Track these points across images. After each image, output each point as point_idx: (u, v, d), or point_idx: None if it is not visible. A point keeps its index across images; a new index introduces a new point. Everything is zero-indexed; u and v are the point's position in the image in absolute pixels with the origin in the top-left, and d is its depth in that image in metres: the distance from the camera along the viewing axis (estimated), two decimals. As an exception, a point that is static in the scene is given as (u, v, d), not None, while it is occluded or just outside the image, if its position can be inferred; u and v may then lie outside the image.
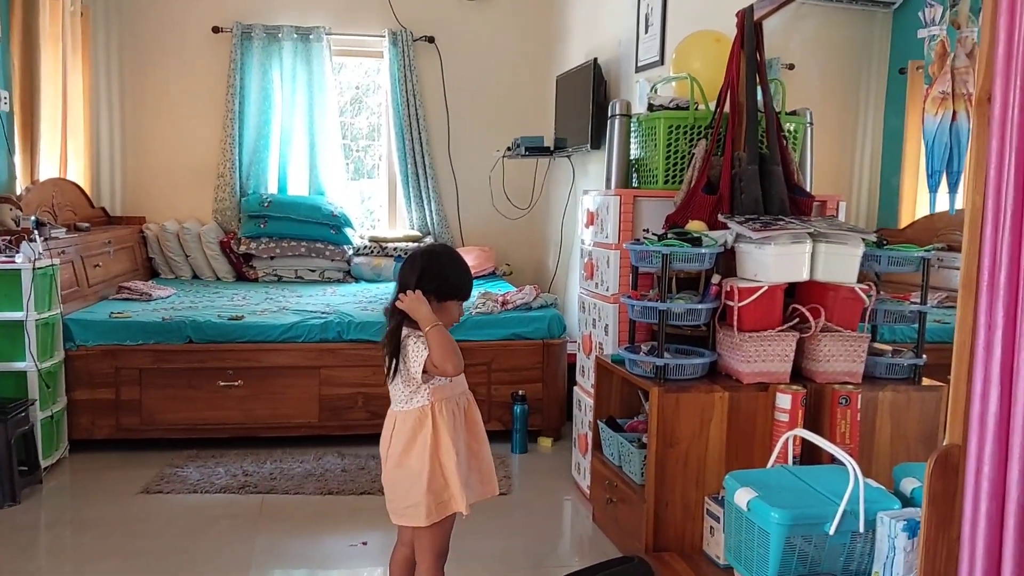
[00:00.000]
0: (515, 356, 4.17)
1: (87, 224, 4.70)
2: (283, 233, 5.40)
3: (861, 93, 3.99)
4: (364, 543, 3.02)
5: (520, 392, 4.08)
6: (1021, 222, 1.62)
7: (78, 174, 5.13)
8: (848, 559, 2.22)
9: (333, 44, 5.70)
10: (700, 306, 2.83)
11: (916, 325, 2.93)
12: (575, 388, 3.69)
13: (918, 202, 3.85)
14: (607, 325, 3.29)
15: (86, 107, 5.17)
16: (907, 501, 2.30)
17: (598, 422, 3.23)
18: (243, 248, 5.40)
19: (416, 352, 2.09)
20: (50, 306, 3.70)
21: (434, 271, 2.17)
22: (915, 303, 2.90)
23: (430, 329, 2.07)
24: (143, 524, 3.18)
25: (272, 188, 5.69)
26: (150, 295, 4.51)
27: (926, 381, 2.88)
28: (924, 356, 2.89)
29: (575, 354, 3.78)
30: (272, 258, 5.41)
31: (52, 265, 3.73)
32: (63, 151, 4.94)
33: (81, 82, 5.10)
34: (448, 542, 2.23)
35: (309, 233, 5.43)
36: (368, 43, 5.80)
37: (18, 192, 4.27)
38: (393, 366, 2.15)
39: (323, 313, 4.22)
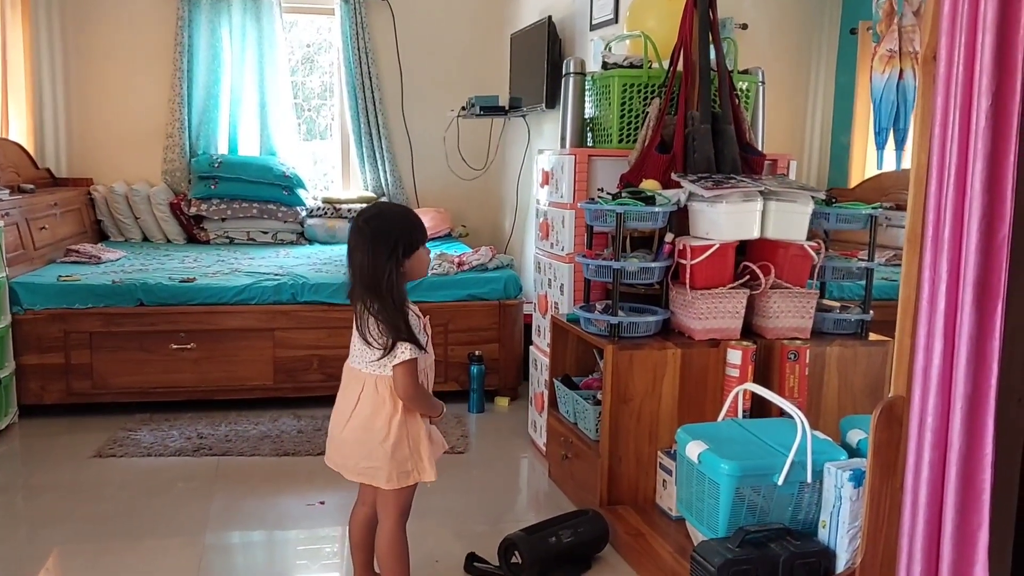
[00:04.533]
0: (472, 317, 4.17)
1: (32, 186, 4.58)
2: (234, 194, 5.31)
3: (813, 53, 4.03)
4: (322, 503, 3.03)
5: (477, 352, 4.10)
6: (965, 179, 1.66)
7: (20, 134, 4.98)
8: (796, 509, 2.29)
9: (284, 1, 5.58)
10: (654, 265, 2.86)
11: (863, 282, 2.99)
12: (531, 348, 3.71)
13: (868, 161, 3.92)
14: (562, 284, 3.31)
15: (27, 64, 5.00)
16: (853, 452, 2.37)
17: (554, 380, 3.27)
18: (193, 210, 5.30)
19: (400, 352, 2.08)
20: (-6, 269, 3.62)
21: (391, 235, 2.08)
22: (863, 260, 2.96)
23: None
24: (97, 488, 3.15)
25: (222, 148, 5.59)
26: (99, 258, 4.42)
27: (872, 336, 2.95)
28: (871, 312, 2.96)
29: (531, 314, 3.80)
30: (223, 220, 5.33)
31: (-4, 227, 3.64)
32: (4, 110, 4.80)
33: (21, 38, 4.93)
34: (411, 502, 2.24)
35: (261, 194, 5.35)
36: (319, 0, 5.69)
37: (-42, 153, 4.15)
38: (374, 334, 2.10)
39: (276, 275, 4.18)
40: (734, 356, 2.71)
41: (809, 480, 2.25)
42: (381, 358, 2.08)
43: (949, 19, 1.68)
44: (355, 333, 2.16)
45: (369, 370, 2.14)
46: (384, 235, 2.08)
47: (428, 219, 5.41)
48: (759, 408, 2.70)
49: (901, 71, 2.16)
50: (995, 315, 1.66)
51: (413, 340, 2.06)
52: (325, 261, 4.63)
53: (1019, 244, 1.67)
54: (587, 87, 3.42)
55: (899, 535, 1.84)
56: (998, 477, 1.74)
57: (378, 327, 2.07)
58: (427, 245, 2.20)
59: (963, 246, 1.67)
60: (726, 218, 2.75)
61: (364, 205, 5.41)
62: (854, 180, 4.03)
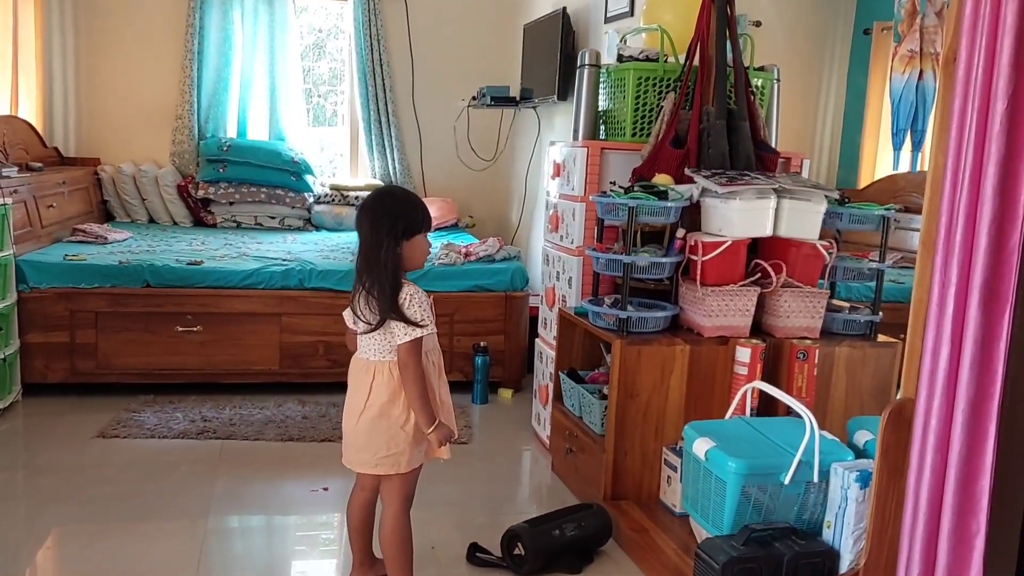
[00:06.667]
0: (477, 308, 4.17)
1: (40, 164, 4.58)
2: (242, 178, 5.30)
3: (826, 52, 4.01)
4: (325, 489, 3.03)
5: (482, 343, 4.09)
6: (979, 182, 1.65)
7: (30, 112, 4.98)
8: (802, 509, 2.28)
9: (296, -15, 5.58)
10: (664, 260, 2.85)
11: (873, 283, 2.98)
12: (537, 340, 3.70)
13: (878, 163, 3.91)
14: (571, 278, 3.30)
15: (38, 43, 4.99)
16: (860, 453, 2.36)
17: (560, 373, 3.26)
18: (201, 193, 5.30)
19: (405, 332, 2.08)
20: (2, 247, 3.61)
21: (394, 212, 2.11)
22: (874, 261, 2.95)
23: (431, 428, 2.13)
24: (99, 469, 3.15)
25: (231, 132, 5.58)
26: (106, 238, 4.42)
27: (881, 338, 2.95)
28: (880, 313, 2.95)
29: (537, 307, 3.79)
30: (231, 204, 5.32)
31: (4, 205, 3.63)
32: (14, 88, 4.79)
33: (33, 16, 4.92)
34: (415, 487, 2.25)
35: (269, 179, 5.35)
36: (332, -14, 5.69)
37: (-33, 129, 4.14)
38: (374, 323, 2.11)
39: (284, 260, 4.17)
40: (743, 354, 2.70)
41: (816, 480, 2.24)
42: (370, 331, 2.10)
43: (970, 20, 1.67)
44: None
45: (378, 357, 2.14)
46: (388, 211, 2.12)
47: (435, 208, 5.41)
48: (767, 406, 2.70)
49: (921, 72, 2.15)
50: (1003, 320, 1.65)
51: (403, 319, 2.07)
52: (333, 248, 4.63)
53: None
54: (601, 79, 3.40)
55: (900, 536, 1.84)
56: (1005, 483, 1.73)
57: (368, 304, 2.09)
58: (431, 237, 2.21)
59: (975, 250, 1.66)
60: (739, 215, 2.73)
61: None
62: (864, 181, 4.03)
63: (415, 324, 2.08)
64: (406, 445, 2.14)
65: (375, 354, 2.15)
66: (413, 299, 2.10)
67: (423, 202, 2.23)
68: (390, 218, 2.10)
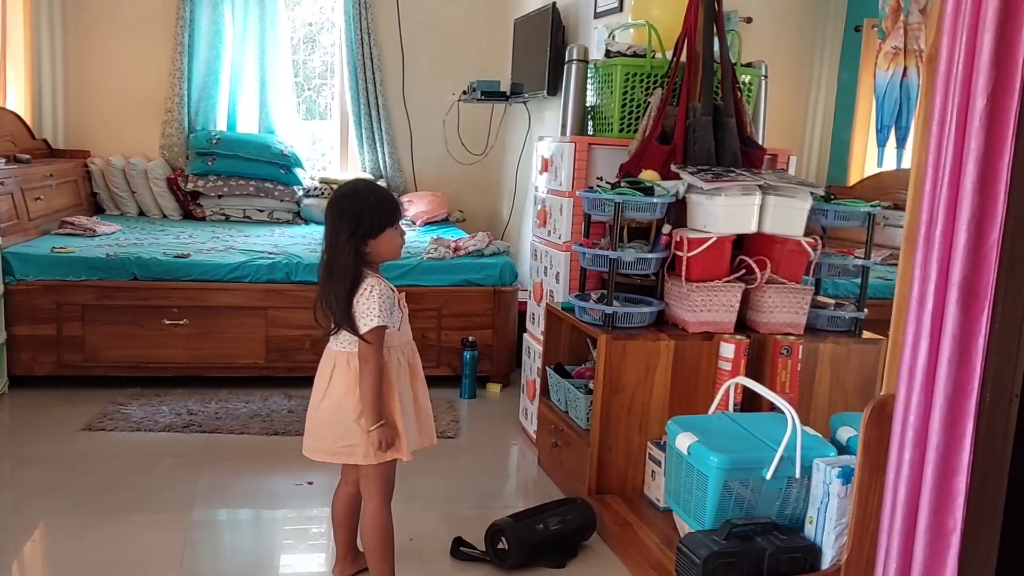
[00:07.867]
0: (466, 302, 4.16)
1: (28, 156, 4.55)
2: (231, 171, 5.29)
3: (816, 49, 4.02)
4: (310, 483, 3.03)
5: (470, 338, 4.09)
6: (959, 178, 1.66)
7: (18, 104, 4.95)
8: (784, 504, 2.29)
9: (286, -22, 5.56)
10: (650, 255, 2.85)
11: (859, 280, 2.99)
12: (525, 335, 3.71)
13: (867, 160, 3.92)
14: (558, 273, 3.30)
15: (26, 33, 4.97)
16: (843, 449, 2.37)
17: (546, 368, 3.26)
18: (190, 186, 5.28)
19: (367, 312, 2.06)
20: (-12, 239, 3.61)
21: (356, 214, 2.07)
22: (859, 258, 2.96)
23: (374, 427, 2.09)
24: (85, 461, 3.14)
25: (221, 125, 5.57)
26: (94, 231, 4.40)
27: (866, 334, 2.95)
28: (865, 310, 2.96)
29: (526, 302, 3.79)
30: (220, 196, 5.31)
31: (-10, 196, 3.63)
32: (2, 79, 4.77)
33: (21, 6, 4.90)
34: (394, 479, 2.25)
35: (258, 172, 5.33)
36: (323, -21, 5.67)
37: (-46, 120, 4.12)
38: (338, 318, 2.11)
39: (271, 254, 4.16)
40: (727, 349, 2.71)
41: (797, 475, 2.25)
42: (334, 333, 2.13)
43: (952, 17, 1.67)
44: None
45: (339, 347, 2.15)
46: (348, 215, 2.08)
47: (425, 203, 5.42)
48: (750, 402, 2.71)
49: (905, 69, 2.16)
50: (981, 317, 1.66)
51: (353, 331, 2.07)
52: (320, 241, 4.59)
53: (1015, 245, 1.67)
54: (589, 75, 3.40)
55: (878, 531, 1.85)
56: (983, 481, 1.74)
57: (323, 307, 2.11)
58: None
59: (954, 246, 1.66)
60: (724, 211, 2.74)
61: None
62: (853, 178, 4.04)
63: (363, 336, 2.06)
64: (360, 438, 2.12)
65: (337, 344, 2.16)
66: (373, 291, 2.07)
67: (389, 194, 2.21)
68: (351, 221, 2.06)
